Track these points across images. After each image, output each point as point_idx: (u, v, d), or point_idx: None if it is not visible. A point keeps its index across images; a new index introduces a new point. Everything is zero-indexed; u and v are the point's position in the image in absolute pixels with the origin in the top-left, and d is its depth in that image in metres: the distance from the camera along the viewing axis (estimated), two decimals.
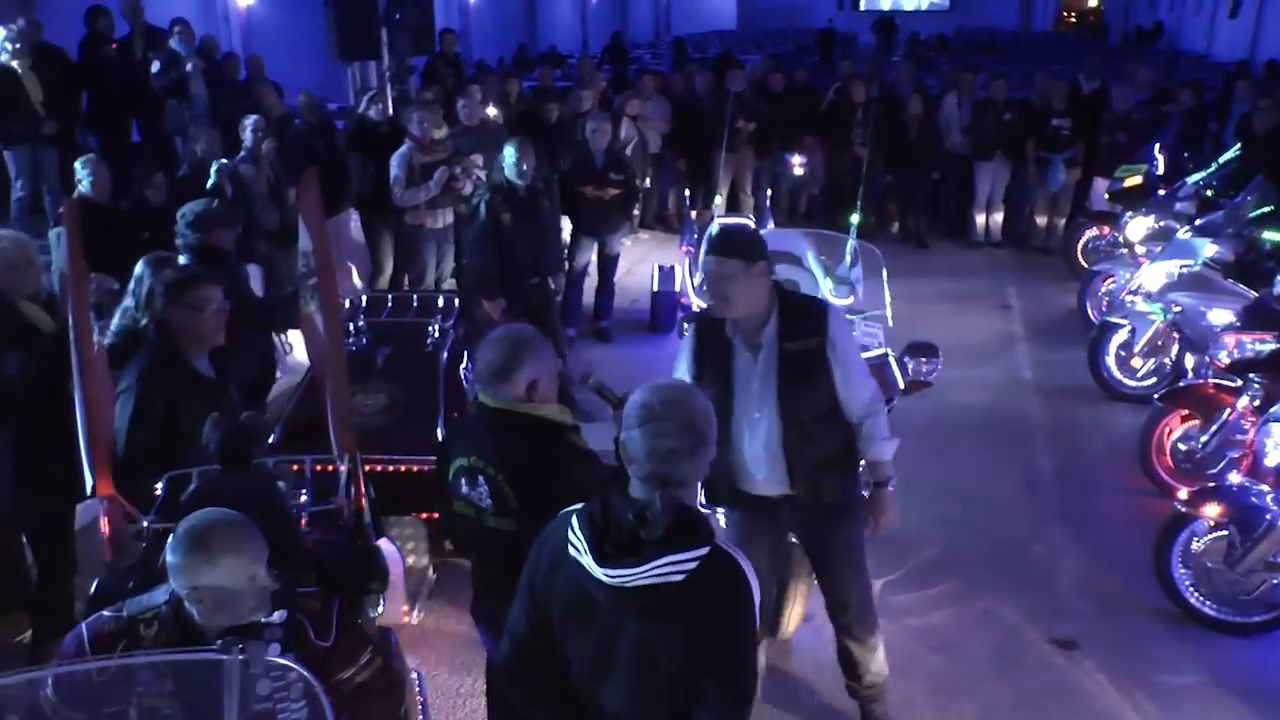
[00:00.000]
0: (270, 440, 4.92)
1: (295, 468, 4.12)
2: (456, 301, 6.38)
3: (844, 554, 4.07)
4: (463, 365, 5.79)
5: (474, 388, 3.21)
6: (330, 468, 4.14)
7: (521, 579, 2.62)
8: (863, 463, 4.00)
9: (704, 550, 2.31)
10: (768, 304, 3.72)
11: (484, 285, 7.04)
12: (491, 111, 10.14)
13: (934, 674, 4.78)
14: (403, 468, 4.97)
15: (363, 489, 3.98)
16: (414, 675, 3.77)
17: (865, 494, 4.06)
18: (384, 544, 4.07)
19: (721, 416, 3.63)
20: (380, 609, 3.92)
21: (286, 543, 3.35)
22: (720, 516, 4.08)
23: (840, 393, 3.78)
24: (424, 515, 5.03)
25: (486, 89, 10.46)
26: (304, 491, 4.06)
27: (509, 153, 7.12)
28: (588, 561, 2.34)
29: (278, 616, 2.71)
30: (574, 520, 2.41)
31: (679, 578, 2.29)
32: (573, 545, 2.39)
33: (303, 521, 3.87)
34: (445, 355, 5.71)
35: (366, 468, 4.22)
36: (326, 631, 2.85)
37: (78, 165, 6.94)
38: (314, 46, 11.66)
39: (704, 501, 3.95)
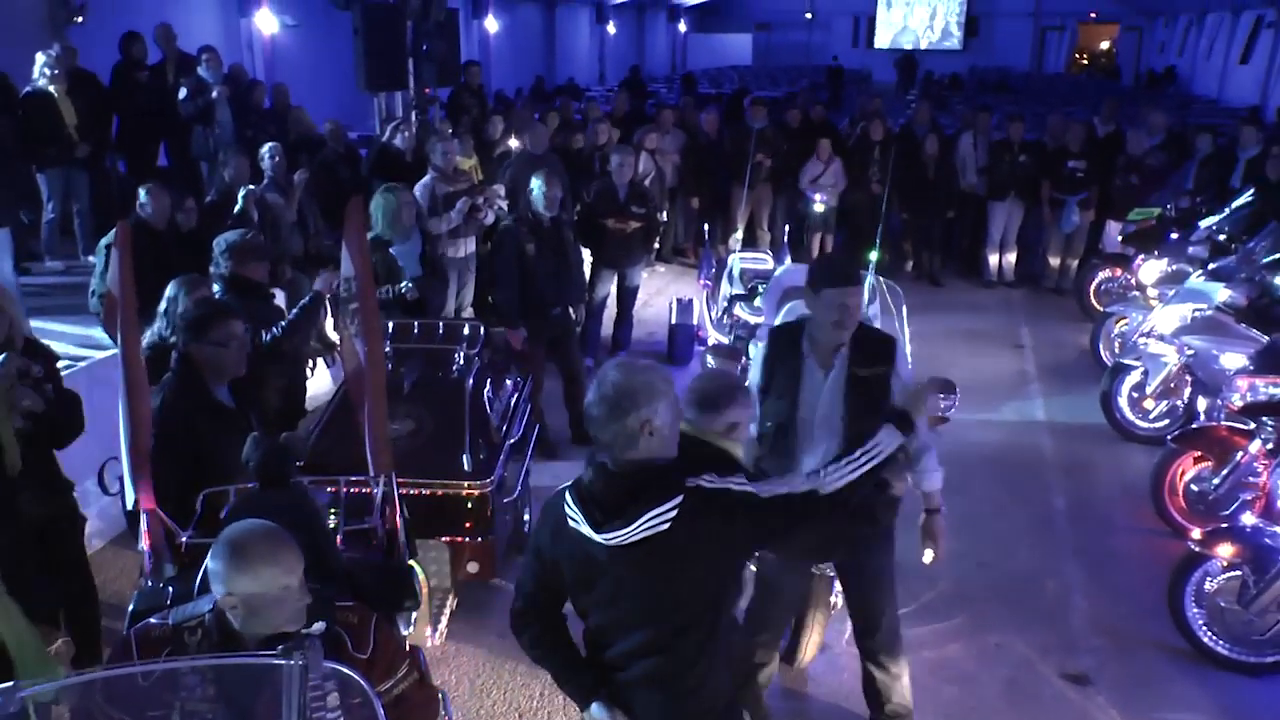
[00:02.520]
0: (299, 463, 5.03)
1: (331, 488, 4.22)
2: (481, 329, 6.49)
3: (879, 577, 4.20)
4: (486, 393, 5.90)
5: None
6: (365, 489, 4.24)
7: (529, 545, 2.99)
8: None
9: (679, 498, 2.63)
10: None
11: (507, 315, 7.14)
12: (514, 143, 10.30)
13: (947, 706, 4.84)
14: (427, 491, 5.07)
15: (397, 509, 4.07)
16: (440, 694, 3.85)
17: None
18: (412, 564, 4.16)
19: (782, 426, 3.89)
20: (412, 628, 4.00)
21: (323, 558, 3.45)
22: None
23: None
24: (447, 539, 5.12)
25: (515, 119, 10.63)
26: (339, 510, 4.16)
27: (536, 183, 7.24)
28: (585, 529, 2.69)
29: (317, 628, 2.78)
30: (567, 494, 2.77)
31: (665, 526, 2.63)
32: (570, 517, 2.74)
33: (338, 540, 3.96)
34: (471, 382, 5.81)
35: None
36: (364, 644, 2.93)
37: (140, 190, 7.05)
38: (336, 75, 11.85)
39: None
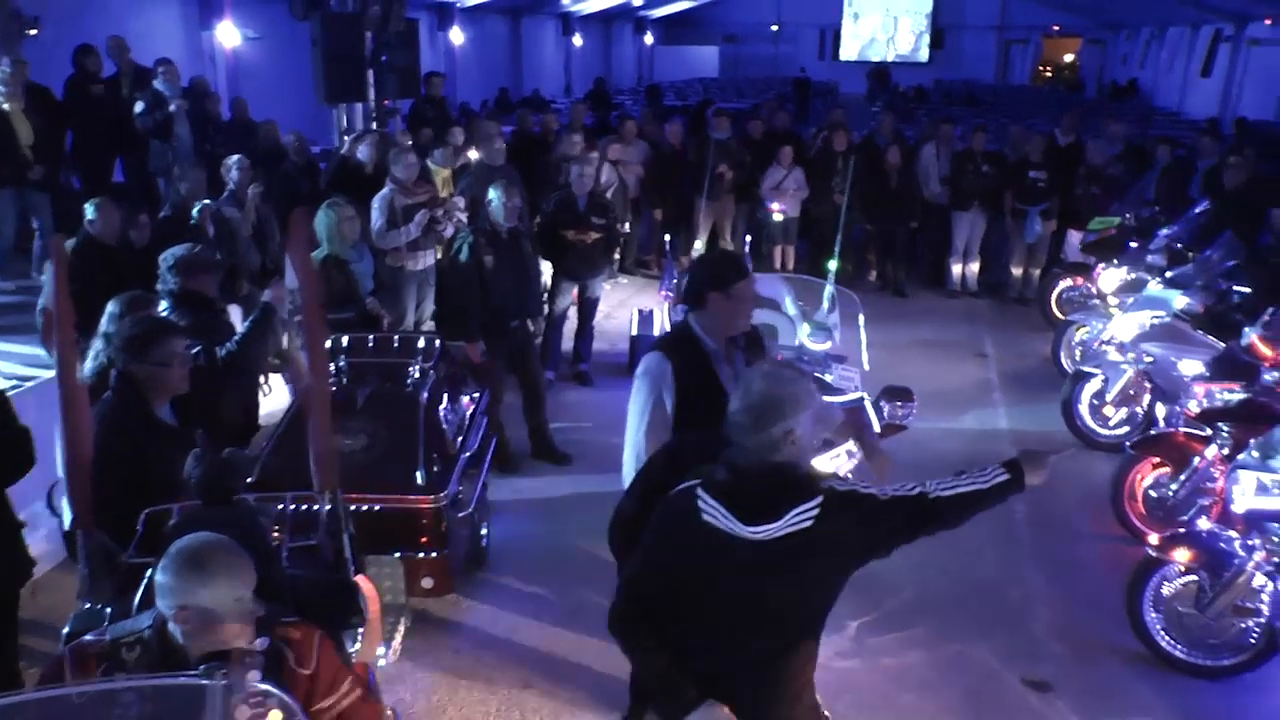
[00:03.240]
0: (250, 479, 4.95)
1: (277, 505, 4.15)
2: (437, 343, 6.43)
3: None
4: (442, 406, 5.84)
5: None
6: (311, 505, 4.17)
7: (642, 543, 3.00)
8: None
9: (820, 498, 2.75)
10: None
11: (465, 327, 7.07)
12: (474, 155, 10.25)
13: (907, 713, 4.80)
14: (380, 506, 5.00)
15: (344, 526, 4.00)
16: (390, 712, 3.79)
17: None
18: (361, 582, 4.09)
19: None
20: (358, 645, 3.93)
21: (268, 575, 3.37)
22: None
23: None
24: (401, 554, 5.05)
25: (474, 130, 10.58)
26: (285, 527, 4.09)
27: (494, 194, 7.18)
28: (730, 525, 2.76)
29: (260, 644, 2.75)
30: (700, 491, 2.82)
31: (809, 524, 2.73)
32: (706, 513, 2.79)
33: (283, 557, 3.88)
34: (425, 396, 5.74)
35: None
36: (307, 660, 2.89)
37: (87, 206, 6.92)
38: (299, 87, 11.76)
39: None
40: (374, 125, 10.47)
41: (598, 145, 11.40)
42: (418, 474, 5.17)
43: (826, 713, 3.06)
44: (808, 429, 2.81)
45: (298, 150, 9.68)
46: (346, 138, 10.12)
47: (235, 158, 8.26)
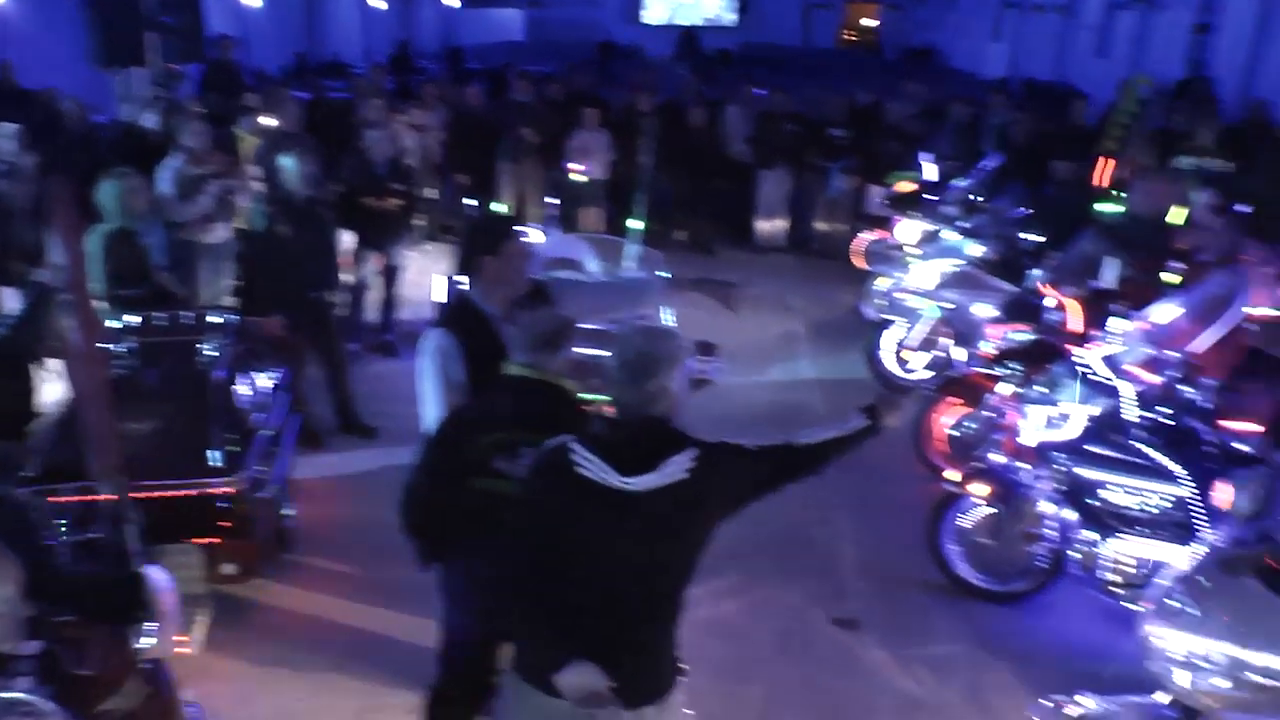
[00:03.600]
0: (32, 473, 4.63)
1: (56, 499, 3.88)
2: (234, 319, 6.13)
3: None
4: (239, 385, 5.58)
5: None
6: (93, 497, 3.91)
7: (511, 511, 2.97)
8: None
9: (695, 450, 2.84)
10: None
11: (263, 301, 6.76)
12: (270, 122, 9.81)
13: (720, 662, 4.86)
14: (174, 493, 4.74)
15: (125, 515, 3.76)
16: (191, 708, 3.60)
17: None
18: (155, 572, 3.86)
19: None
20: (152, 639, 3.71)
21: (43, 573, 3.15)
22: None
23: None
24: (199, 540, 4.81)
25: (267, 97, 10.12)
26: (64, 522, 3.83)
27: (288, 162, 6.90)
28: (605, 476, 2.80)
29: (32, 647, 2.61)
30: (575, 447, 2.84)
31: (686, 475, 2.81)
32: (582, 467, 2.81)
33: (64, 553, 3.64)
34: (221, 375, 5.47)
35: (136, 495, 3.99)
36: (88, 660, 2.73)
37: None
38: (75, 53, 10.99)
39: None
40: (159, 91, 9.87)
41: (398, 111, 11.09)
42: (214, 456, 4.93)
43: (683, 665, 3.11)
44: (681, 384, 2.92)
45: (76, 118, 9.05)
46: (128, 105, 9.50)
47: (10, 127, 7.64)
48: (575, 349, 3.49)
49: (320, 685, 4.68)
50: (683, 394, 2.94)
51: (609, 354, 2.93)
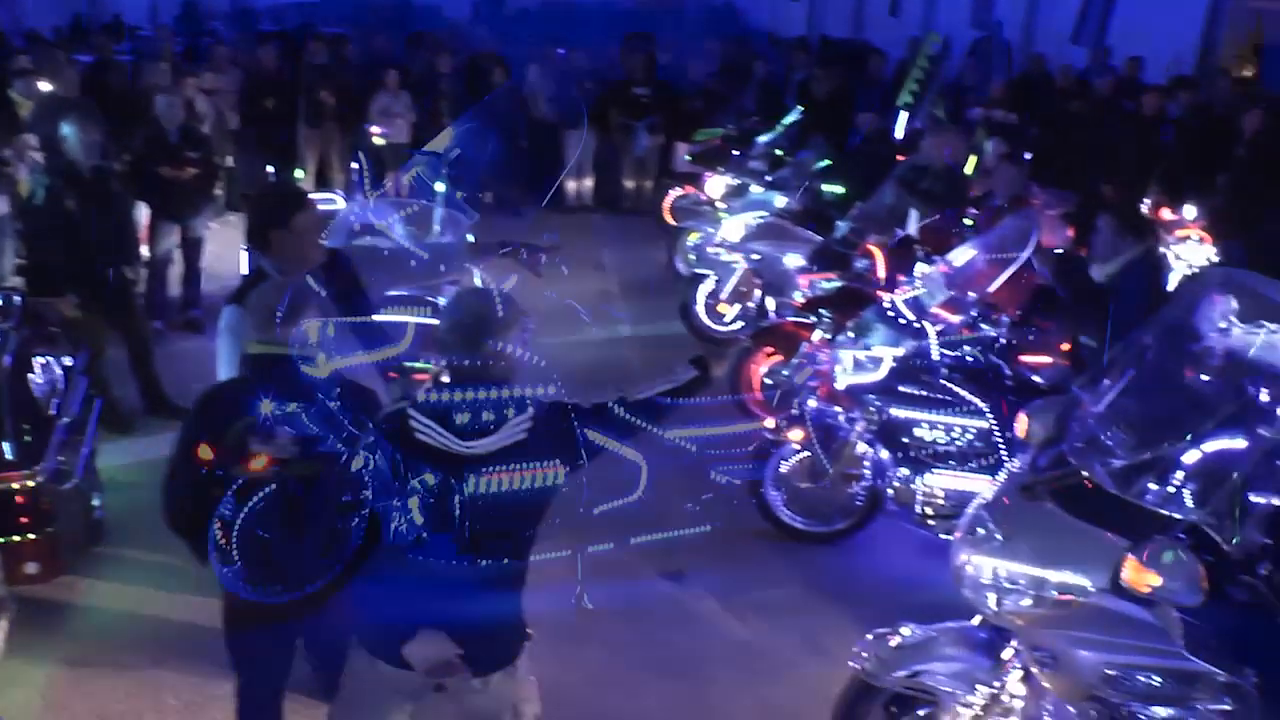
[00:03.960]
0: None
1: None
2: (18, 300, 5.72)
3: None
4: (30, 371, 5.23)
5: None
6: None
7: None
8: None
9: (530, 410, 2.89)
10: None
11: (51, 279, 6.34)
12: (47, 87, 9.15)
13: (555, 628, 4.87)
14: None
15: None
16: None
17: None
18: None
19: None
20: None
21: None
22: None
23: None
24: None
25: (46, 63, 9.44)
26: None
27: (69, 130, 6.47)
28: (445, 442, 2.80)
29: None
30: (412, 413, 2.83)
31: (523, 435, 2.86)
32: (421, 433, 2.81)
33: None
34: (7, 361, 5.10)
35: None
36: None
37: None
38: None
39: None
40: None
41: (189, 74, 10.52)
42: (4, 449, 4.60)
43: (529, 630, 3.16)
44: (517, 346, 2.92)
45: None
46: None
47: None
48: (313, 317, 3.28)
49: (141, 683, 4.47)
50: (522, 357, 2.93)
51: (436, 320, 2.90)
